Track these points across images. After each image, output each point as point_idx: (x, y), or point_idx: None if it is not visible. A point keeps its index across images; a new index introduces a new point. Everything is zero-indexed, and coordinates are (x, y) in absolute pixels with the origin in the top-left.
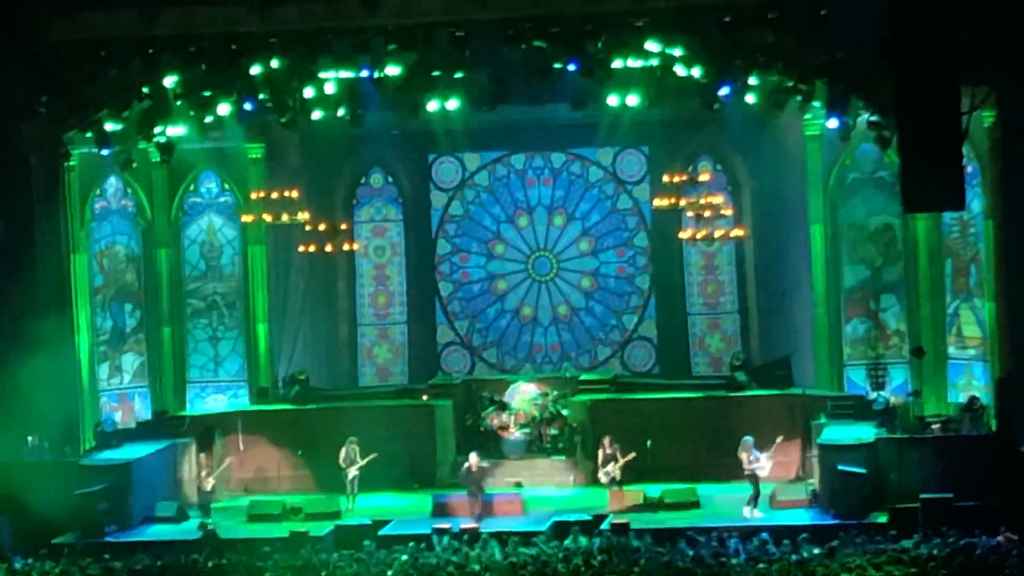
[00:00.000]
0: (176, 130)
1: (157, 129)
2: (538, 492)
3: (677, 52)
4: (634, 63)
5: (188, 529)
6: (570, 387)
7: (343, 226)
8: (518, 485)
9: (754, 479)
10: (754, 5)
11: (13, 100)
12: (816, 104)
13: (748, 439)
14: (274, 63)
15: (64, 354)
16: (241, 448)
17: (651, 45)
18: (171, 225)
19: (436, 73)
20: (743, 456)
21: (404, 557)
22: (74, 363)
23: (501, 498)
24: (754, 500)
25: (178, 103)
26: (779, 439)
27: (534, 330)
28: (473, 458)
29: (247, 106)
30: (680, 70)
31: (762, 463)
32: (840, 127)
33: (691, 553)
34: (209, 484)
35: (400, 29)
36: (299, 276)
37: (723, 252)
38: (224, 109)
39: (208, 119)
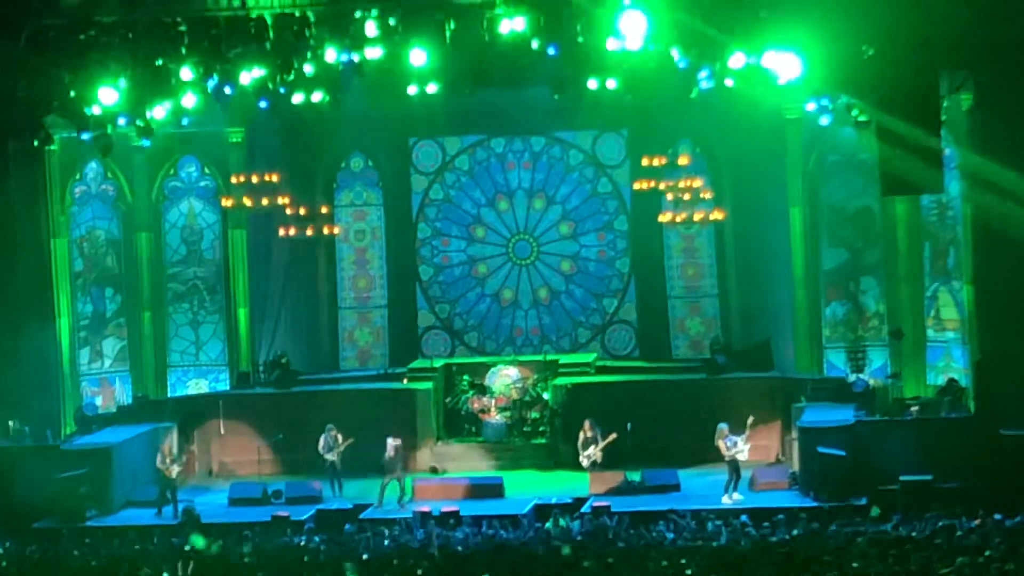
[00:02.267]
0: (156, 114)
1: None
2: (519, 475)
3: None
4: (614, 46)
5: (168, 514)
6: (550, 370)
7: (323, 210)
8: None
9: (734, 465)
10: None
11: None
12: (796, 86)
13: (723, 426)
14: (254, 46)
15: (45, 339)
16: (222, 432)
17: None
18: (151, 209)
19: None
20: (720, 444)
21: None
22: (55, 348)
23: (482, 482)
24: (733, 486)
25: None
26: (750, 420)
27: (514, 313)
28: (390, 442)
29: (227, 89)
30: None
31: (740, 447)
32: (819, 110)
33: (671, 535)
34: (174, 471)
35: (381, 12)
36: (280, 260)
37: (703, 235)
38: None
39: (188, 103)
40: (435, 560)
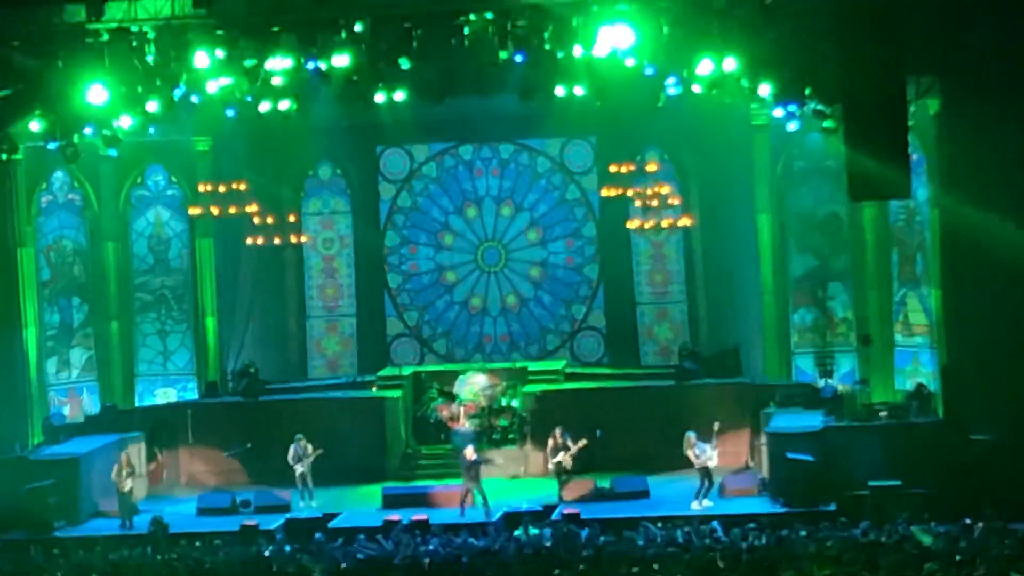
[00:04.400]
0: (122, 123)
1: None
2: (488, 483)
3: (625, 43)
4: (581, 54)
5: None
6: (519, 378)
7: (291, 218)
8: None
9: (706, 472)
10: None
11: None
12: (763, 93)
13: (690, 434)
14: (220, 54)
15: (11, 348)
16: (190, 442)
17: (599, 36)
18: (118, 219)
19: (383, 65)
20: (689, 453)
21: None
22: (22, 358)
23: (450, 490)
24: (705, 493)
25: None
26: (716, 425)
27: (483, 320)
28: (469, 450)
29: (193, 98)
30: (628, 61)
31: (710, 454)
32: (786, 116)
33: (641, 542)
34: (127, 485)
35: (348, 20)
36: (247, 269)
37: (671, 241)
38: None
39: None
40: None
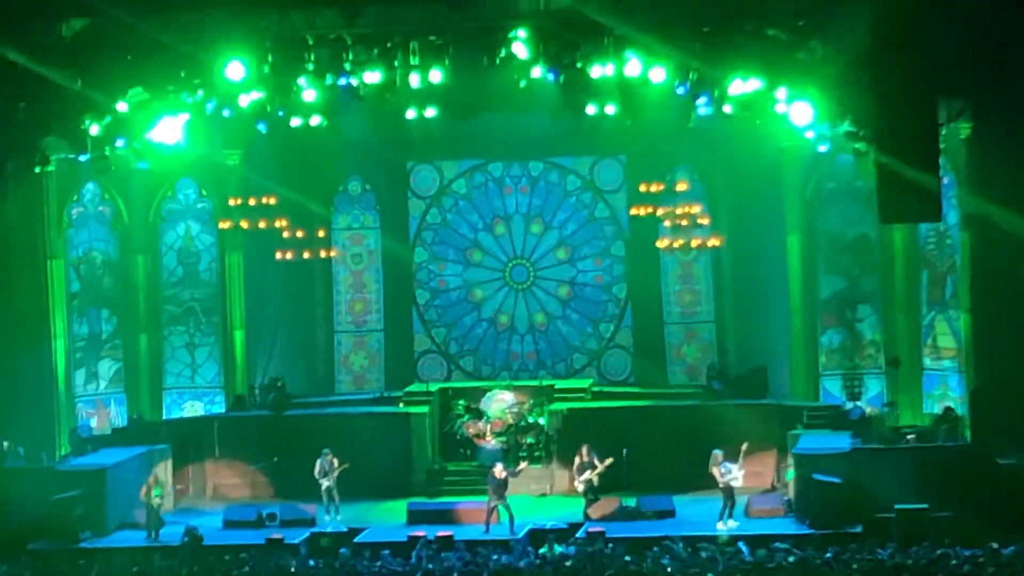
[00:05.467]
0: (155, 136)
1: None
2: (514, 500)
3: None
4: (612, 73)
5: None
6: (546, 395)
7: (320, 233)
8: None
9: (729, 491)
10: (735, 15)
11: None
12: (793, 115)
13: (717, 452)
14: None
15: (40, 360)
16: (217, 455)
17: (630, 56)
18: (148, 231)
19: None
20: (714, 470)
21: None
22: (50, 369)
23: (475, 506)
24: (728, 512)
25: (154, 107)
26: (743, 446)
27: (511, 338)
28: (498, 468)
29: (225, 112)
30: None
31: (735, 474)
32: (817, 138)
33: (666, 562)
34: (156, 502)
35: (380, 37)
36: (276, 283)
37: (700, 261)
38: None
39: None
40: None
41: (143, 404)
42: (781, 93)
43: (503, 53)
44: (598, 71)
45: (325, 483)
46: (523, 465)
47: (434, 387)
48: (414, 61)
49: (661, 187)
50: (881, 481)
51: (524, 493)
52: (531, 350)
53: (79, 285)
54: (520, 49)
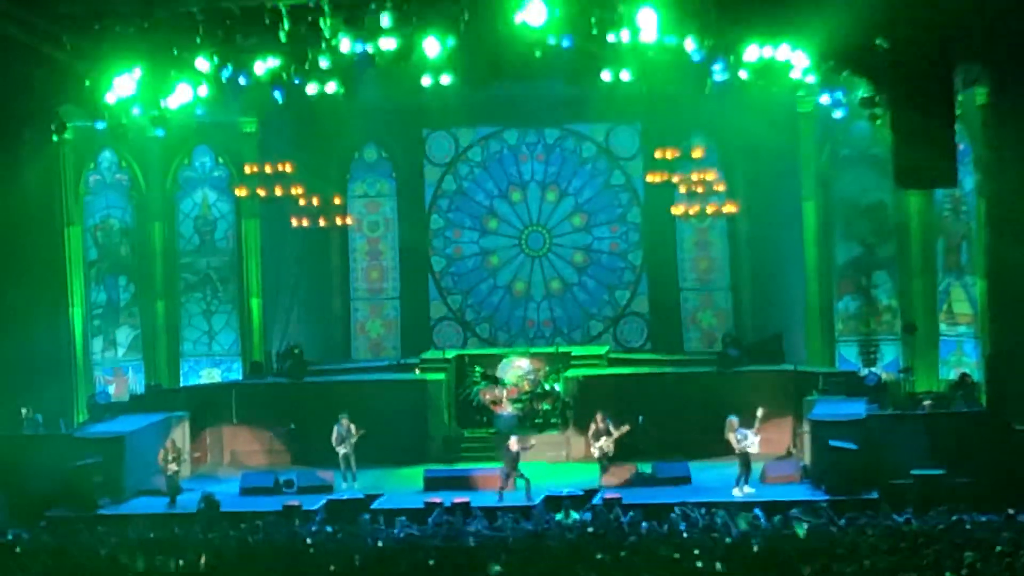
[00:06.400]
0: (171, 103)
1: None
2: (530, 466)
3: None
4: (628, 38)
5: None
6: (562, 362)
7: (336, 200)
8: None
9: (745, 458)
10: None
11: (8, 73)
12: (809, 80)
13: (732, 418)
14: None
15: (58, 327)
16: (234, 421)
17: (645, 19)
18: (165, 199)
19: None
20: (730, 436)
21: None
22: (68, 336)
23: (492, 472)
24: (744, 479)
25: (172, 76)
26: (759, 412)
27: (527, 305)
28: (512, 440)
29: (241, 80)
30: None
31: (751, 440)
32: (833, 104)
33: (683, 527)
34: (172, 468)
35: (395, 3)
36: (292, 250)
37: (715, 228)
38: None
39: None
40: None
41: (161, 371)
42: (797, 58)
43: (518, 19)
44: (613, 37)
45: (342, 450)
46: (533, 440)
47: (450, 354)
48: (430, 27)
49: (677, 154)
50: (897, 447)
51: (540, 459)
52: (547, 317)
53: (96, 253)
54: (534, 15)
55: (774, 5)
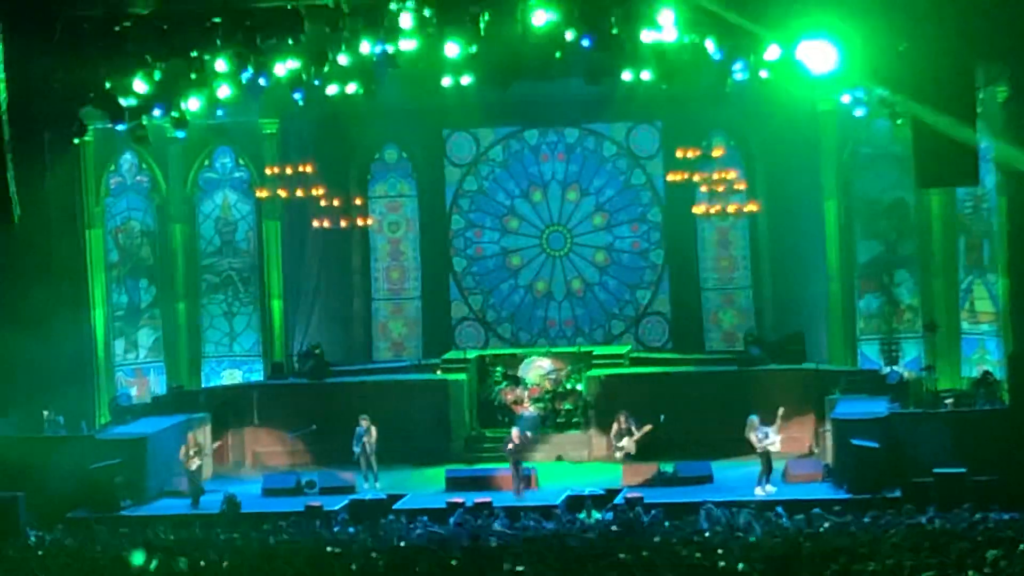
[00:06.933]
0: (191, 105)
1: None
2: (552, 466)
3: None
4: (648, 37)
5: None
6: (584, 362)
7: (357, 201)
8: (559, 459)
9: (766, 456)
10: None
11: (28, 75)
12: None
13: (753, 417)
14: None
15: (80, 329)
16: (256, 422)
17: (666, 18)
18: (186, 201)
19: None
20: (751, 436)
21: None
22: (90, 338)
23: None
24: (766, 477)
25: (193, 78)
26: (781, 411)
27: (548, 305)
28: (514, 432)
29: (261, 81)
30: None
31: (772, 439)
32: (853, 102)
33: (705, 527)
34: (194, 464)
35: (415, 4)
36: (314, 251)
37: (737, 227)
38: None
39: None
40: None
41: (182, 373)
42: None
43: (538, 19)
44: (633, 36)
45: (357, 450)
46: (527, 435)
47: (472, 354)
48: (450, 28)
49: (697, 153)
50: (919, 446)
51: (562, 460)
52: (568, 317)
53: (117, 255)
54: (555, 14)
55: (793, 5)
